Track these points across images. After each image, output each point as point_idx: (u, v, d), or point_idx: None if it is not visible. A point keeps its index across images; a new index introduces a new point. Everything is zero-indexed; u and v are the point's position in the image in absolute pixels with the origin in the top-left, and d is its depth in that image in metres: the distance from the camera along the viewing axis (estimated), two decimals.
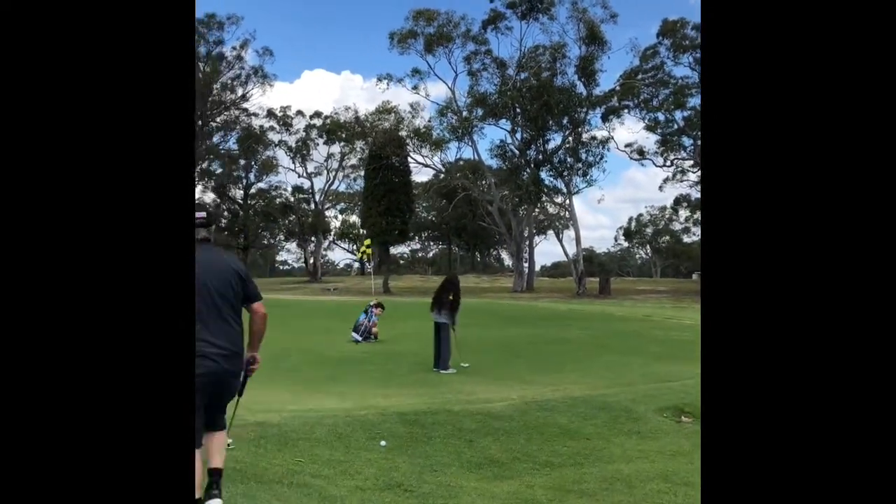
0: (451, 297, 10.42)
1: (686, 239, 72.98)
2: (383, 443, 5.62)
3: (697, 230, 58.37)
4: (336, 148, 57.78)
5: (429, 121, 45.73)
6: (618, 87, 42.53)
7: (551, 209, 47.21)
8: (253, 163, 60.86)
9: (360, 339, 13.87)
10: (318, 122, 58.15)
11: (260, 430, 5.63)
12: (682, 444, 6.11)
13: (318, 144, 58.84)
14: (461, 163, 53.67)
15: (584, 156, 39.82)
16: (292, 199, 63.37)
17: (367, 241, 16.05)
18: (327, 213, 64.91)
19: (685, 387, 8.18)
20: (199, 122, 53.48)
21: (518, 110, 39.83)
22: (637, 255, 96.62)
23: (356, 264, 76.79)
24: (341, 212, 70.05)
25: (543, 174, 40.71)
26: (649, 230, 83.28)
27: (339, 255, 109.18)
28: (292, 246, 73.35)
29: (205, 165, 56.54)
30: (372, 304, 14.90)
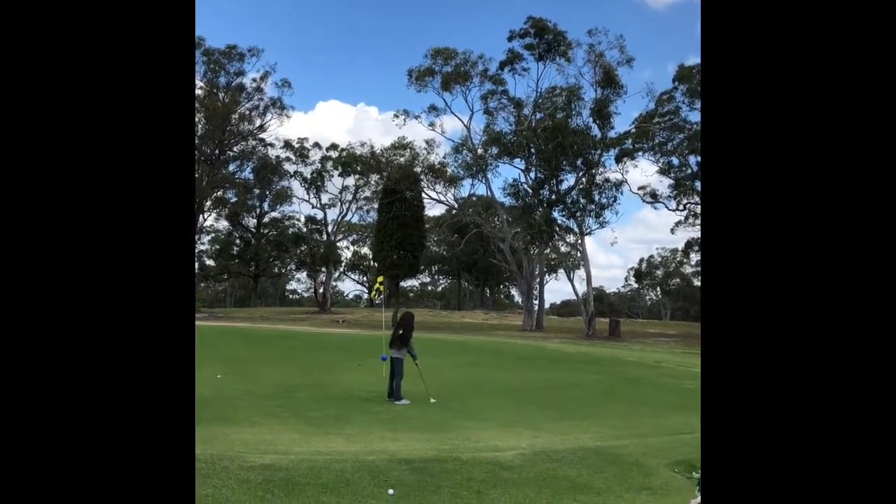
0: (400, 332, 11.26)
1: (697, 283, 72.57)
2: (391, 491, 5.54)
3: None
4: (351, 180, 58.31)
5: (444, 157, 46.15)
6: (633, 130, 42.76)
7: (563, 248, 47.21)
8: (267, 192, 61.38)
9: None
10: (334, 154, 58.71)
11: (267, 474, 5.58)
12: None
13: (332, 176, 59.36)
14: (474, 199, 53.94)
15: (597, 197, 39.92)
16: (305, 230, 63.71)
17: (381, 279, 16.01)
18: (339, 244, 65.22)
19: (697, 440, 8.03)
20: (217, 151, 54.09)
21: (532, 150, 40.08)
22: (647, 297, 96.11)
23: (365, 296, 76.83)
24: (353, 243, 70.41)
25: (556, 214, 40.85)
26: (660, 272, 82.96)
27: (349, 286, 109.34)
28: (302, 276, 73.59)
29: (220, 194, 57.01)
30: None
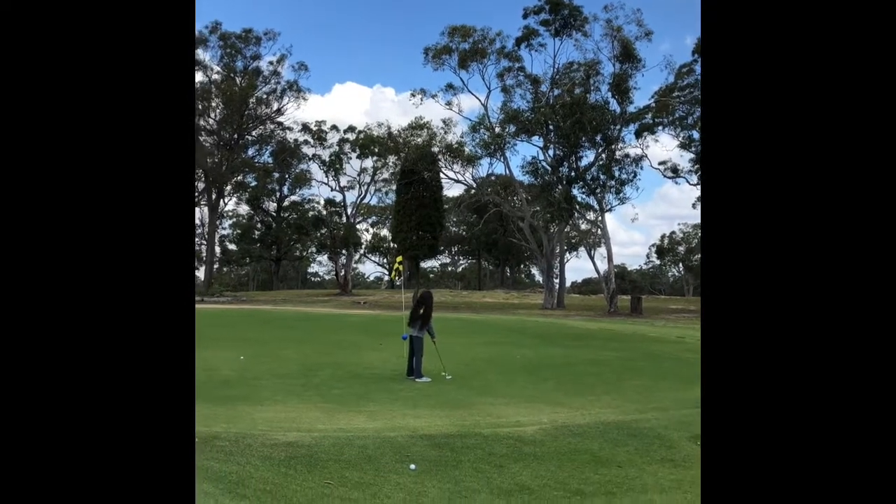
0: (421, 312, 11.29)
1: None
2: (413, 466, 5.58)
3: None
4: (369, 162, 58.33)
5: (461, 136, 45.97)
6: (652, 104, 42.24)
7: (583, 226, 46.96)
8: (287, 176, 61.62)
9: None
10: (351, 136, 58.71)
11: (290, 451, 5.64)
12: None
13: (350, 158, 59.41)
14: (493, 178, 53.75)
15: (617, 173, 39.54)
16: (324, 212, 63.93)
17: (399, 258, 16.04)
18: (359, 226, 65.41)
19: None
20: (236, 136, 54.35)
21: (551, 127, 39.75)
22: (669, 273, 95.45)
23: (386, 277, 77.12)
24: (372, 225, 70.56)
25: (576, 191, 40.53)
26: (682, 248, 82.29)
27: (370, 268, 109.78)
28: (323, 258, 73.97)
29: (240, 178, 57.34)
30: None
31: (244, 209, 65.68)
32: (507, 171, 45.55)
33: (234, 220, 68.78)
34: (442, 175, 45.75)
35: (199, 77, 52.36)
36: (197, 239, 63.66)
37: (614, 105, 39.46)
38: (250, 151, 58.32)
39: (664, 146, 68.39)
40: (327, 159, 59.62)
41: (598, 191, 39.91)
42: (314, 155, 59.95)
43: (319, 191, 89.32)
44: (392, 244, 55.15)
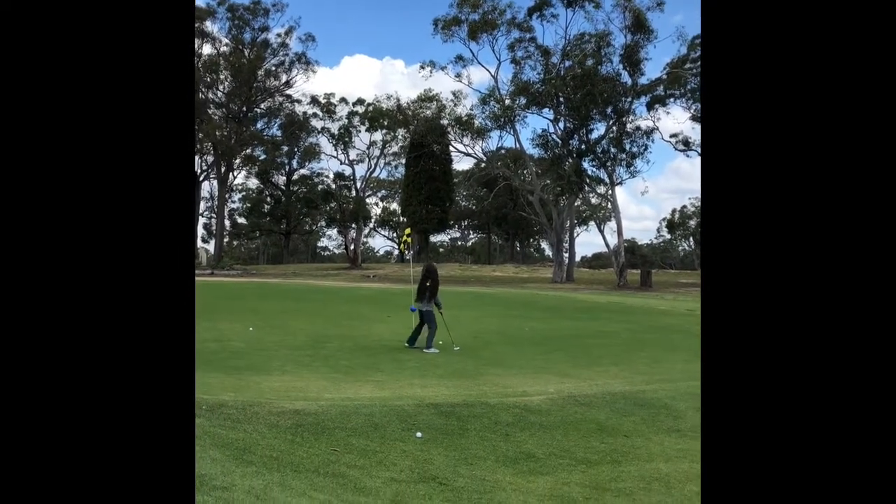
0: (427, 284, 11.37)
1: None
2: (419, 434, 5.61)
3: None
4: (378, 135, 58.04)
5: (471, 109, 45.63)
6: (664, 76, 41.72)
7: (593, 200, 46.71)
8: (296, 149, 61.47)
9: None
10: (360, 109, 58.37)
11: (297, 419, 5.67)
12: None
13: (360, 132, 59.13)
14: (502, 151, 53.44)
15: (628, 146, 39.18)
16: (334, 186, 63.86)
17: (408, 231, 16.02)
18: (368, 200, 65.31)
19: None
20: (244, 109, 54.17)
21: (561, 99, 39.38)
22: (680, 248, 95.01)
23: (395, 251, 77.25)
24: (382, 199, 70.46)
25: (586, 164, 40.22)
26: (693, 222, 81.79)
27: (380, 242, 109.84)
28: (333, 232, 74.07)
29: (249, 151, 57.25)
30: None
31: (253, 183, 65.78)
32: (517, 145, 45.28)
33: (244, 193, 68.89)
34: (451, 148, 45.58)
35: (207, 49, 52.12)
36: (207, 213, 63.94)
37: (626, 77, 39.00)
38: (259, 124, 58.12)
39: (676, 119, 67.53)
40: (336, 132, 59.37)
41: (608, 164, 39.61)
42: (323, 128, 59.71)
43: (328, 164, 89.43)
44: (402, 218, 55.09)
